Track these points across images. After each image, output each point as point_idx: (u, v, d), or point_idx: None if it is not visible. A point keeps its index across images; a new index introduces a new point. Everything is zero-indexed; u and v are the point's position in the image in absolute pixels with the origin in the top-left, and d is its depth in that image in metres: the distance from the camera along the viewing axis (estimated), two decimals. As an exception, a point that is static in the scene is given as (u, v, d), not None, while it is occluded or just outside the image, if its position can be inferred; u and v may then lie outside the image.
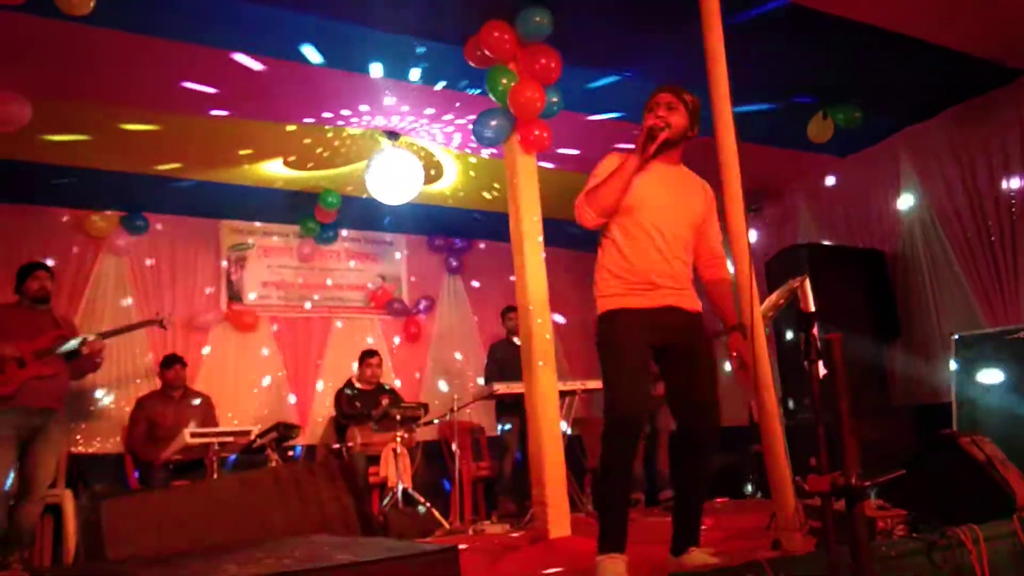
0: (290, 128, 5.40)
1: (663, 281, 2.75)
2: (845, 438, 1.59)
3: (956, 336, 5.12)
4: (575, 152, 5.86)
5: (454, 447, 5.82)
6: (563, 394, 5.24)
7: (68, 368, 4.70)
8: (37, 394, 4.43)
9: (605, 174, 2.79)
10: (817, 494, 1.57)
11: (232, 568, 1.48)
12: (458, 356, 7.88)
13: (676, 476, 2.87)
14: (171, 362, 5.86)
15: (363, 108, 5.22)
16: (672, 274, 2.78)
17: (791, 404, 5.81)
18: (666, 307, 2.75)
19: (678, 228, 2.81)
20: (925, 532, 2.90)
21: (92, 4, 3.49)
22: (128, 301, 6.52)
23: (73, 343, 4.64)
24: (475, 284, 8.15)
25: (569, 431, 5.52)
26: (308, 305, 7.32)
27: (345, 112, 5.26)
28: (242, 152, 5.73)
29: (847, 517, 1.57)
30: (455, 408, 5.68)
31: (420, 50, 4.46)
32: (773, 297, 4.45)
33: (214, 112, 5.06)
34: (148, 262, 6.67)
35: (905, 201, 5.99)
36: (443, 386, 7.64)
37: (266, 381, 7.00)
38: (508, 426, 6.18)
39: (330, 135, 5.62)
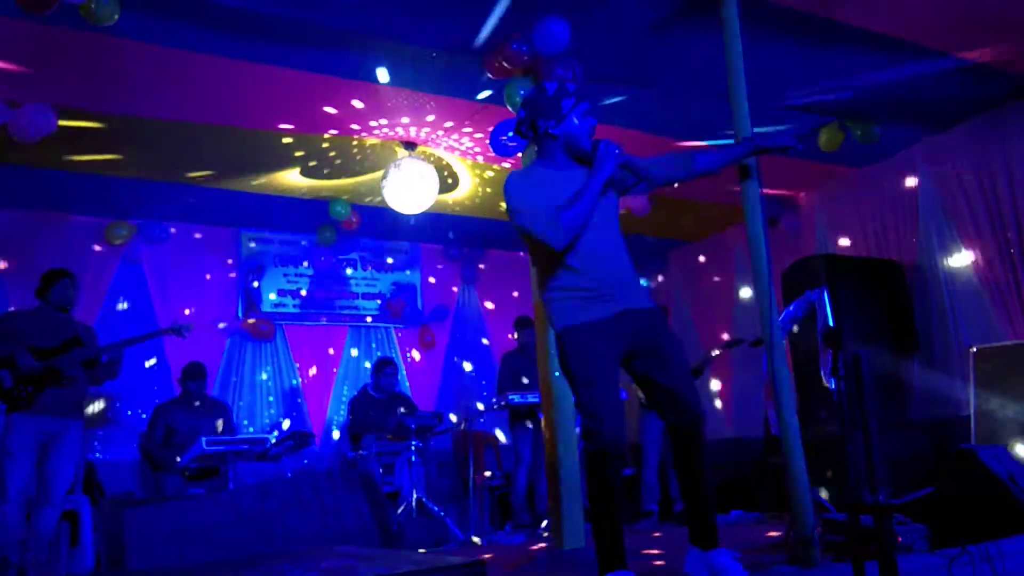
0: (310, 138, 5.44)
1: (614, 287, 2.72)
2: (873, 456, 1.58)
3: (975, 349, 5.09)
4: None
5: (469, 456, 5.82)
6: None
7: (87, 375, 4.73)
8: (56, 402, 4.46)
9: (529, 198, 2.71)
10: (845, 511, 1.56)
11: (259, 580, 1.49)
12: (472, 365, 7.89)
13: (679, 472, 2.82)
14: (194, 371, 5.88)
15: (381, 119, 5.24)
16: (619, 276, 2.75)
17: (807, 416, 5.77)
18: (622, 312, 2.71)
19: (607, 224, 2.78)
20: (945, 548, 2.87)
21: (117, 16, 3.53)
22: (146, 309, 6.56)
23: (95, 351, 4.68)
24: (490, 293, 8.16)
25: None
26: (324, 314, 7.35)
27: (362, 123, 5.29)
28: (261, 162, 5.77)
29: (875, 534, 1.56)
30: (469, 417, 5.68)
31: (440, 61, 4.48)
32: (791, 308, 4.46)
33: (236, 122, 5.11)
34: (166, 270, 6.72)
35: (923, 212, 5.96)
36: (457, 395, 7.64)
37: (282, 389, 7.02)
38: (521, 436, 6.16)
39: (349, 148, 5.65)
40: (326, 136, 5.45)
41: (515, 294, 8.04)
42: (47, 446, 4.45)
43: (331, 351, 7.31)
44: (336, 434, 6.86)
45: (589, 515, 2.70)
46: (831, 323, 4.28)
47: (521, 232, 2.74)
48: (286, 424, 6.81)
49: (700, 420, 2.74)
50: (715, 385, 7.52)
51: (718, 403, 7.56)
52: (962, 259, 5.65)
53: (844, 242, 6.56)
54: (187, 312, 6.66)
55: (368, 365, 7.21)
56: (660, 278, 8.44)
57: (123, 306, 6.48)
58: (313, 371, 7.17)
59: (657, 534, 5.16)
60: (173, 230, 6.75)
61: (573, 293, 2.71)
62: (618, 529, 2.62)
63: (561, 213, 2.63)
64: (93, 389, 6.05)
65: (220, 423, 5.87)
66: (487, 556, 4.11)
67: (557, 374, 4.11)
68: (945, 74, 4.84)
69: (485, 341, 8.02)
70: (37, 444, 4.41)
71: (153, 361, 6.52)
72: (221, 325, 6.80)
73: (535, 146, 2.92)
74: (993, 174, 5.44)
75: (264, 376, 6.97)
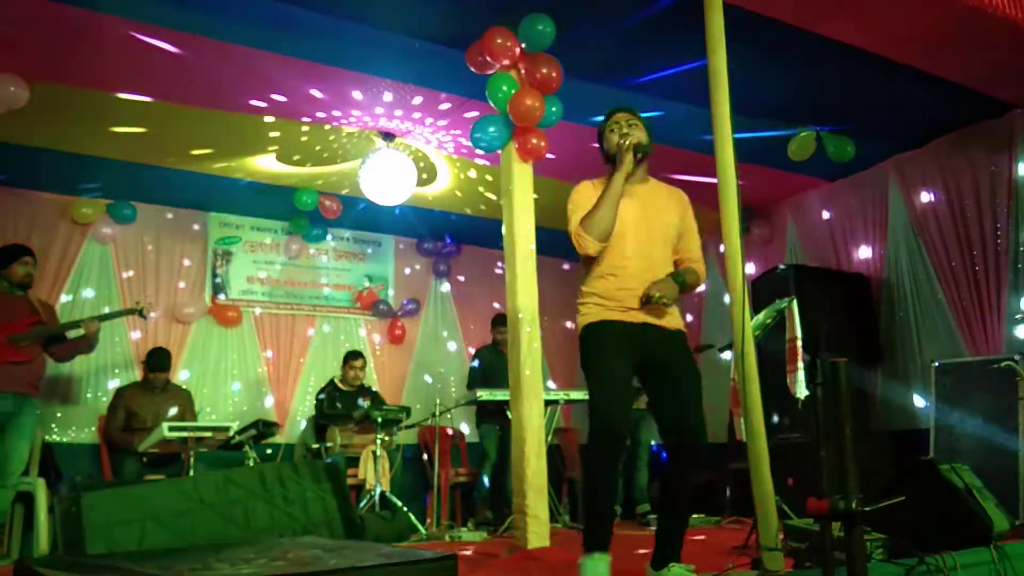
0: (286, 123, 5.37)
1: (639, 304, 2.81)
2: (847, 462, 1.60)
3: (936, 364, 5.18)
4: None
5: (434, 452, 5.80)
6: (547, 403, 5.24)
7: (52, 352, 4.62)
8: (10, 380, 4.35)
9: (587, 203, 2.84)
10: (815, 517, 1.57)
11: (224, 568, 1.46)
12: (441, 360, 7.86)
13: (663, 493, 2.92)
14: (157, 356, 5.76)
15: (360, 108, 5.20)
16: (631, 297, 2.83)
17: (770, 424, 5.83)
18: (643, 323, 2.81)
19: (655, 249, 2.88)
20: (903, 558, 2.92)
21: (94, -11, 3.46)
22: (112, 289, 6.44)
23: (57, 328, 4.57)
24: (462, 289, 8.13)
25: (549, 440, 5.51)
26: (293, 302, 7.27)
27: (342, 111, 5.24)
28: (235, 145, 5.69)
29: (845, 540, 1.57)
30: (437, 412, 5.66)
31: (421, 53, 4.45)
32: (760, 317, 4.50)
33: (211, 103, 5.03)
34: (133, 251, 6.61)
35: (892, 227, 6.06)
36: (425, 390, 7.61)
37: (247, 377, 6.94)
38: (489, 434, 6.16)
39: (326, 135, 5.60)
40: (303, 122, 5.39)
41: (488, 290, 8.03)
42: (2, 424, 4.33)
43: (299, 340, 7.23)
44: (300, 424, 6.78)
45: (584, 492, 2.84)
46: (799, 332, 4.33)
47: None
48: (249, 412, 6.72)
49: (699, 444, 2.78)
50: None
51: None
52: (928, 275, 5.76)
53: (813, 253, 6.65)
54: (153, 294, 6.55)
55: (329, 357, 7.15)
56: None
57: (88, 285, 6.34)
58: (279, 360, 7.09)
59: (616, 534, 5.18)
60: (142, 210, 6.62)
61: (602, 302, 2.82)
62: (609, 511, 2.74)
63: (585, 218, 2.79)
64: (52, 369, 5.95)
65: (181, 409, 5.78)
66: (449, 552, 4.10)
67: (528, 372, 4.11)
68: (918, 92, 4.92)
69: (455, 337, 7.99)
70: None
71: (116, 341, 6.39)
72: (188, 309, 6.68)
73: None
74: (960, 192, 5.56)
75: (229, 362, 6.87)
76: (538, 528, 3.92)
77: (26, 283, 4.56)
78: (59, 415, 6.11)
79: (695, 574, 2.75)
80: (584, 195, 2.90)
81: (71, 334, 4.87)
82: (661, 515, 2.90)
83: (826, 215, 6.60)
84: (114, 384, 6.13)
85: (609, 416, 2.68)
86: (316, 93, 4.95)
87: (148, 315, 5.07)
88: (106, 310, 5.91)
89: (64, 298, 6.20)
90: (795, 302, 4.39)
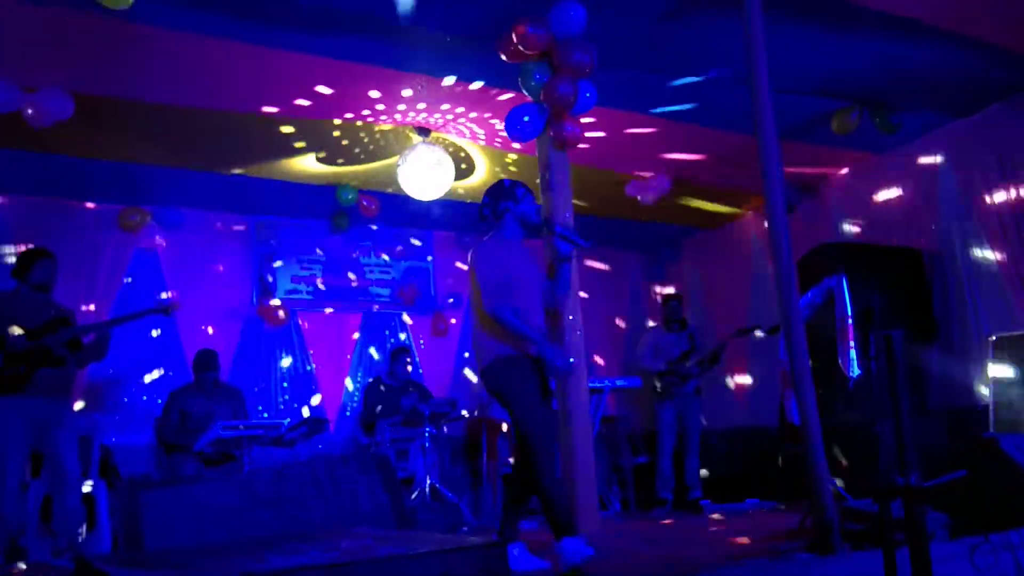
0: (324, 123, 5.42)
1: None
2: (904, 439, 1.55)
3: (994, 337, 5.03)
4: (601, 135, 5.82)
5: (482, 443, 5.83)
6: (592, 391, 5.22)
7: (73, 356, 4.59)
8: (48, 383, 4.29)
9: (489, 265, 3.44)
10: (875, 496, 1.53)
11: (279, 560, 1.48)
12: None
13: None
14: (206, 358, 5.87)
15: (394, 103, 5.22)
16: (540, 329, 3.45)
17: (823, 405, 5.71)
18: (537, 356, 3.34)
19: (538, 293, 3.51)
20: (965, 536, 2.84)
21: (132, 0, 3.52)
22: (162, 295, 6.57)
23: (81, 330, 4.57)
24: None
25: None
26: (337, 300, 7.36)
27: (375, 108, 5.27)
28: (275, 148, 5.76)
29: (905, 519, 1.53)
30: (483, 404, 5.68)
31: (453, 45, 4.45)
32: (808, 295, 4.43)
33: (249, 107, 5.10)
34: (181, 256, 6.74)
35: (943, 199, 5.88)
36: (471, 382, 7.64)
37: (295, 375, 7.04)
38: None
39: (363, 133, 5.64)
40: (340, 122, 5.43)
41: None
42: (45, 430, 4.28)
43: (344, 337, 7.31)
44: (349, 420, 6.86)
45: (551, 501, 3.19)
46: (849, 309, 4.25)
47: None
48: (299, 410, 6.83)
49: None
50: (730, 373, 7.48)
51: (733, 391, 7.53)
52: (982, 246, 5.58)
53: (863, 228, 6.48)
54: (202, 298, 6.70)
55: (375, 353, 7.21)
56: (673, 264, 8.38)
57: (138, 292, 6.46)
58: (326, 357, 7.18)
59: (669, 521, 5.15)
60: (189, 217, 6.75)
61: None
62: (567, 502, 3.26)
63: (508, 315, 3.33)
64: (104, 373, 6.09)
65: (235, 408, 5.89)
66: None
67: (572, 360, 4.09)
68: (966, 58, 4.76)
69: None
70: (30, 428, 4.23)
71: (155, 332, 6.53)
72: (236, 311, 6.81)
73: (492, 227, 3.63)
74: (1015, 160, 5.37)
75: (278, 362, 6.99)
76: (588, 516, 3.91)
77: (46, 286, 4.50)
78: (116, 417, 6.26)
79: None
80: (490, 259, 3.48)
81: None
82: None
83: (875, 189, 6.42)
84: (168, 385, 6.26)
85: (546, 437, 3.24)
86: (352, 92, 4.98)
87: (172, 313, 5.00)
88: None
89: (116, 306, 6.35)
90: (844, 279, 4.31)
